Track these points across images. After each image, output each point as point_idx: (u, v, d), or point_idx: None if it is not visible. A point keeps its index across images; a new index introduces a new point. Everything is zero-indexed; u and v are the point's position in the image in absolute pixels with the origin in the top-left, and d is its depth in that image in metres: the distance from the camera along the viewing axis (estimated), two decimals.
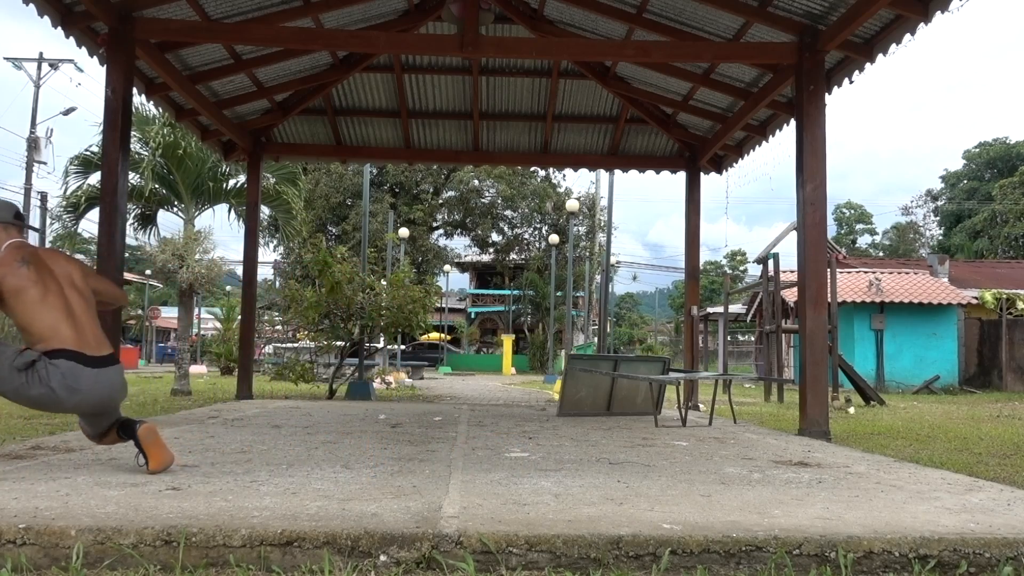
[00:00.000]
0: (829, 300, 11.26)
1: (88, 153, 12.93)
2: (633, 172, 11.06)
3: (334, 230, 38.44)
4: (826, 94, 6.84)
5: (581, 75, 9.48)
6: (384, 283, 12.34)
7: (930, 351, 20.15)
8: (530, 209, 41.81)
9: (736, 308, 29.24)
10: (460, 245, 46.31)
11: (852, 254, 42.78)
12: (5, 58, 32.74)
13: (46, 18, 6.26)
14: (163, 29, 7.00)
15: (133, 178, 12.17)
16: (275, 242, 34.97)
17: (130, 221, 13.15)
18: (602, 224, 32.59)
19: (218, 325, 30.24)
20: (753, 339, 29.75)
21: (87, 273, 3.81)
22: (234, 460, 4.08)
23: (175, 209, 13.47)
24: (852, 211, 64.30)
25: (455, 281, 49.39)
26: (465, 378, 27.37)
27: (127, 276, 33.05)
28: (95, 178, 12.85)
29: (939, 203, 54.60)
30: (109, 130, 6.53)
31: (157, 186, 12.69)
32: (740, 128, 9.02)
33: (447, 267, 43.34)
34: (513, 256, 43.77)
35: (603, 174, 30.32)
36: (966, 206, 49.84)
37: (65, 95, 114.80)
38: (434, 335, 36.82)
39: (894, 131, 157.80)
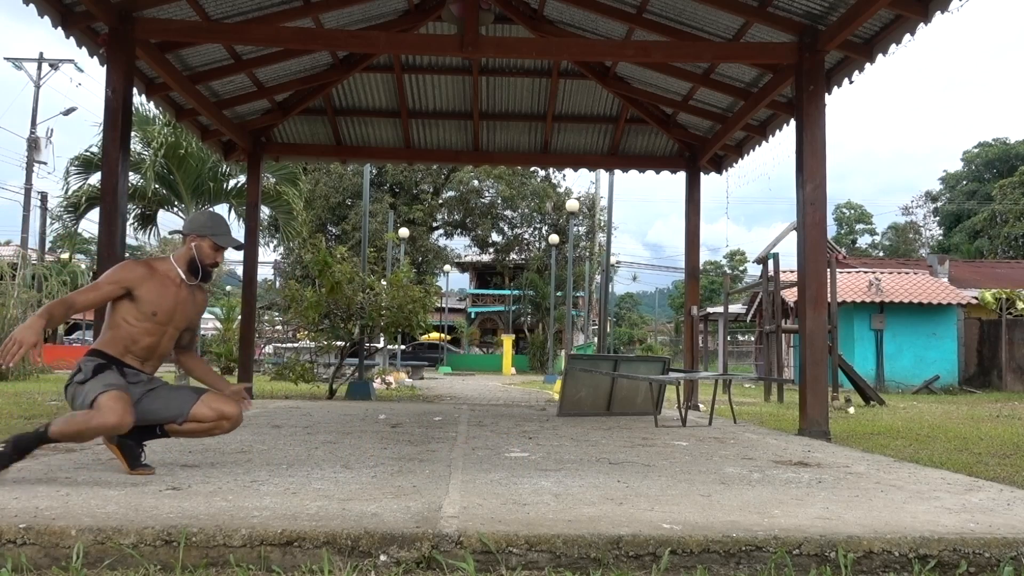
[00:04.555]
0: (829, 300, 11.26)
1: (88, 153, 12.94)
2: (633, 172, 11.07)
3: (334, 230, 38.43)
4: (826, 94, 6.84)
5: (581, 75, 9.48)
6: (384, 283, 12.34)
7: (930, 351, 20.15)
8: (530, 209, 41.79)
9: (736, 308, 29.25)
10: (460, 245, 46.35)
11: (852, 254, 42.76)
12: (5, 58, 32.78)
13: (46, 18, 6.27)
14: (163, 29, 7.00)
15: (134, 178, 12.18)
16: (275, 242, 34.94)
17: (130, 221, 13.16)
18: (602, 224, 32.59)
19: (218, 325, 30.23)
20: (753, 339, 29.76)
21: None
22: (234, 460, 4.08)
23: (175, 209, 13.48)
24: (852, 211, 64.30)
25: (455, 281, 49.41)
26: (465, 378, 27.37)
27: None
28: (95, 178, 12.86)
29: (939, 204, 54.61)
30: (109, 130, 6.53)
31: (158, 186, 12.70)
32: (740, 128, 9.02)
33: (447, 267, 43.33)
34: (513, 256, 43.76)
35: (603, 174, 30.30)
36: (966, 206, 49.86)
37: (65, 95, 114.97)
38: (434, 335, 36.82)
39: (893, 131, 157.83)
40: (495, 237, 43.91)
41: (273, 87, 9.43)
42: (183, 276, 3.69)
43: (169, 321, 3.67)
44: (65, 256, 29.95)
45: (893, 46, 6.41)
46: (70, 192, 13.18)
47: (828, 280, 8.35)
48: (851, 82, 7.12)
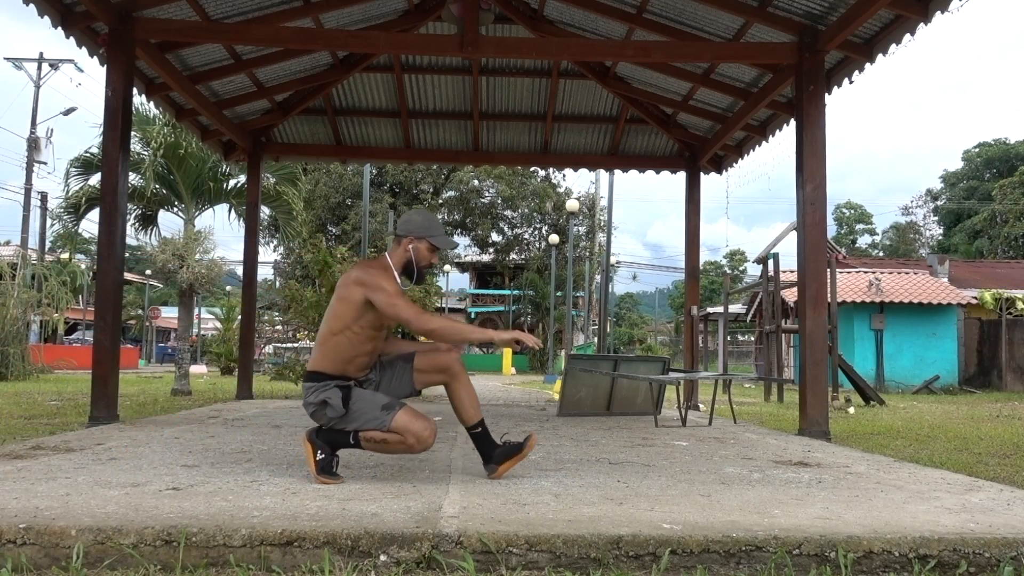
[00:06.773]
0: (829, 300, 11.26)
1: (88, 154, 12.93)
2: (633, 172, 11.06)
3: (334, 230, 38.45)
4: (826, 94, 6.83)
5: (581, 75, 9.48)
6: None
7: (930, 351, 20.15)
8: (530, 209, 41.81)
9: (736, 308, 29.25)
10: (460, 245, 46.34)
11: (852, 254, 42.77)
12: (5, 58, 32.71)
13: (46, 18, 6.26)
14: (163, 29, 6.99)
15: (134, 178, 12.17)
16: (275, 242, 35.02)
17: (130, 221, 13.14)
18: (602, 224, 32.60)
19: (218, 325, 30.25)
20: (753, 339, 29.75)
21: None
22: (234, 460, 4.08)
23: (175, 209, 13.46)
24: (852, 211, 64.34)
25: (455, 281, 49.45)
26: None
27: (127, 276, 33.09)
28: (95, 179, 12.85)
29: (939, 203, 54.63)
30: (109, 130, 6.52)
31: (158, 186, 12.69)
32: (740, 128, 9.02)
33: (447, 267, 43.35)
34: (513, 256, 43.78)
35: (603, 174, 30.31)
36: (966, 206, 49.87)
37: (65, 95, 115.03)
38: None
39: (893, 131, 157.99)
40: (495, 237, 43.93)
41: (273, 87, 9.43)
42: (398, 278, 3.60)
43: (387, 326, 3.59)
44: (65, 256, 29.98)
45: (893, 46, 6.40)
46: (70, 193, 13.16)
47: (828, 280, 8.34)
48: (851, 82, 7.12)
